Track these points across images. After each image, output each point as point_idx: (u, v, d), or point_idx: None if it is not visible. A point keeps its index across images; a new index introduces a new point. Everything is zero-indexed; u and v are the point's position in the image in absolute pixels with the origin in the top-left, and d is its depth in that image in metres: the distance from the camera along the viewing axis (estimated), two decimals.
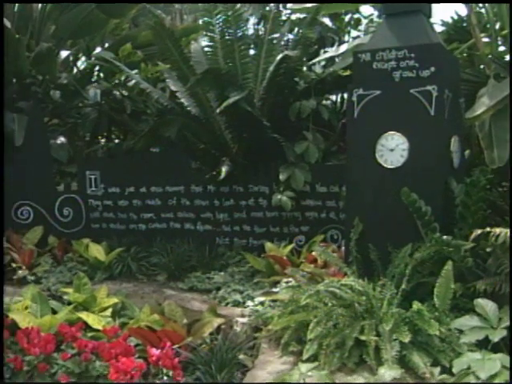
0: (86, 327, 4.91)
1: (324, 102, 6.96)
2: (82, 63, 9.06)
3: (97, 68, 8.71)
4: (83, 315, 5.04)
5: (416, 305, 3.75)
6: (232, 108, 5.87)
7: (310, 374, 3.04)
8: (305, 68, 7.12)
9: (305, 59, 6.98)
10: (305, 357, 3.59)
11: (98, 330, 4.90)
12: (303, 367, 3.05)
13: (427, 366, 3.41)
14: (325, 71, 7.06)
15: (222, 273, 5.76)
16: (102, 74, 8.68)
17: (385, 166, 4.47)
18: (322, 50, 7.80)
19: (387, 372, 3.03)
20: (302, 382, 2.98)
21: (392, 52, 4.45)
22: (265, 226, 6.31)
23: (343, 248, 5.20)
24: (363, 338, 3.60)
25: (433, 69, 4.33)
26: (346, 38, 8.47)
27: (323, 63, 7.56)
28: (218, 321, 4.67)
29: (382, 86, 4.49)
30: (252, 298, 5.01)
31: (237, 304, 5.08)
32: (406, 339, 3.50)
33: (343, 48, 6.86)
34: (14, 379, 4.23)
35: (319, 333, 3.66)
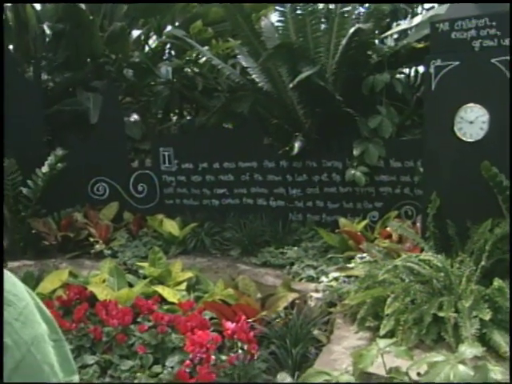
0: (162, 300, 5.01)
1: (398, 75, 6.81)
2: (153, 42, 9.15)
3: (168, 46, 8.79)
4: (159, 289, 5.14)
5: (497, 282, 3.64)
6: (304, 83, 5.82)
7: (388, 349, 2.99)
8: (377, 41, 6.99)
9: (377, 32, 6.84)
10: (382, 332, 3.56)
11: (173, 304, 4.99)
12: (381, 343, 3.00)
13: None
14: (398, 44, 6.89)
15: (296, 248, 5.75)
16: (173, 52, 8.77)
17: (464, 139, 4.34)
18: (395, 23, 7.62)
19: (468, 349, 2.95)
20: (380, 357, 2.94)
21: (472, 21, 4.30)
22: (338, 202, 6.27)
23: (418, 224, 5.11)
24: (442, 314, 3.53)
25: None
26: (419, 9, 8.24)
27: (396, 36, 7.39)
28: (292, 296, 4.68)
29: (461, 57, 4.34)
30: (326, 274, 4.98)
31: (311, 279, 5.08)
32: (487, 317, 3.41)
33: (417, 20, 6.68)
34: (94, 349, 4.36)
35: (396, 308, 3.61)
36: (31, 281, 5.35)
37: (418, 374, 2.83)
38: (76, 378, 1.34)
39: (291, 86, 5.95)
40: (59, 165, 6.48)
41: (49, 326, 1.31)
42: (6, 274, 1.28)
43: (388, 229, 5.34)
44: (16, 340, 1.20)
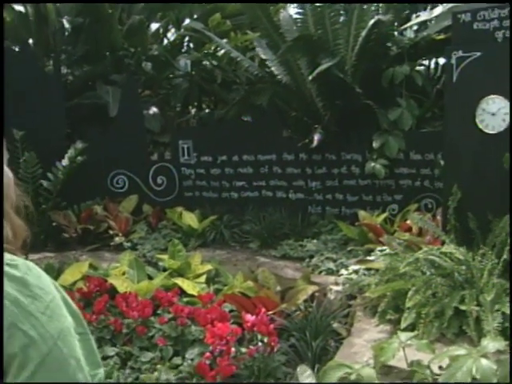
0: (181, 293, 5.02)
1: (417, 67, 6.76)
2: (171, 35, 9.15)
3: (186, 39, 8.80)
4: (178, 281, 5.15)
5: None
6: (323, 75, 5.80)
7: (409, 342, 2.98)
8: (397, 33, 6.93)
9: (397, 24, 6.78)
10: (403, 325, 3.54)
11: (192, 296, 5.00)
12: (403, 336, 2.99)
13: None
14: (418, 36, 6.84)
15: (315, 241, 5.74)
16: (191, 45, 8.78)
17: (485, 131, 4.30)
18: (414, 14, 7.55)
19: (491, 343, 2.93)
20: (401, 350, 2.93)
21: (494, 11, 4.25)
22: (357, 195, 6.25)
23: (438, 217, 5.07)
24: (463, 307, 3.52)
25: None
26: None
27: (416, 27, 7.33)
28: (312, 288, 4.67)
29: (484, 47, 4.29)
30: (346, 266, 4.98)
31: (330, 272, 5.06)
32: (509, 310, 3.39)
33: (437, 11, 6.60)
34: (115, 341, 4.38)
35: (418, 301, 3.59)
36: (52, 273, 5.39)
37: (440, 367, 2.81)
38: (101, 372, 1.34)
39: (310, 78, 5.93)
40: (79, 158, 6.51)
41: (74, 319, 1.32)
42: (33, 267, 1.28)
43: (408, 222, 5.32)
44: (42, 334, 1.21)
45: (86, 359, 1.28)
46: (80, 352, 1.27)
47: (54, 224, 6.46)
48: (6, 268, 1.23)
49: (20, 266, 1.25)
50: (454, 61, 4.41)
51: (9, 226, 1.33)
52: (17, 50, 7.44)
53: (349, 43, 6.40)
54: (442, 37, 6.35)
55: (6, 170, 1.42)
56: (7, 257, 1.28)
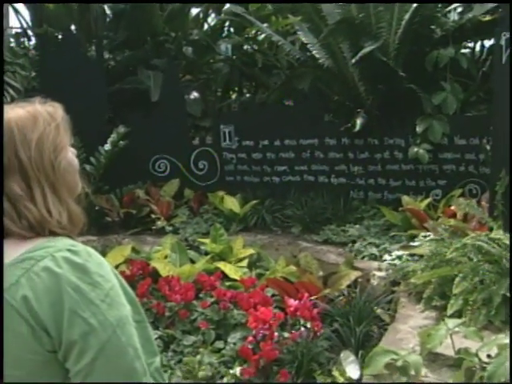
0: (223, 277, 5.04)
1: (462, 50, 6.63)
2: (212, 19, 9.15)
3: (227, 23, 8.76)
4: (221, 265, 5.17)
5: None
6: (366, 58, 5.73)
7: (457, 329, 2.94)
8: (441, 15, 6.79)
9: (441, 6, 6.64)
10: (449, 312, 3.49)
11: (235, 280, 5.01)
12: (450, 323, 2.94)
13: None
14: (463, 17, 6.70)
15: (357, 226, 5.69)
16: (232, 29, 8.74)
17: None
18: None
19: None
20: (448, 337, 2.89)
21: None
22: (400, 180, 6.16)
23: (483, 202, 4.98)
24: None
25: None
26: None
27: (460, 9, 7.17)
28: (355, 274, 4.65)
29: None
30: (389, 252, 4.92)
31: (373, 257, 5.01)
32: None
33: None
34: (157, 324, 4.42)
35: (465, 288, 3.54)
36: None
37: (489, 356, 2.76)
38: (157, 360, 1.35)
39: (353, 61, 5.86)
40: (121, 142, 6.56)
41: (132, 306, 1.33)
42: (94, 253, 1.29)
43: (452, 207, 5.23)
44: (102, 321, 1.22)
45: (143, 347, 1.29)
46: (137, 340, 1.27)
47: (96, 208, 6.52)
48: (67, 254, 1.24)
49: (81, 252, 1.26)
50: (503, 42, 4.31)
51: (65, 212, 1.34)
52: (60, 37, 7.51)
53: (392, 26, 6.29)
54: (488, 18, 6.20)
55: (72, 159, 1.43)
56: (69, 242, 1.29)
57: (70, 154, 1.41)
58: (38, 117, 1.33)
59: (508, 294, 3.46)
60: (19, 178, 1.28)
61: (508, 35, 4.26)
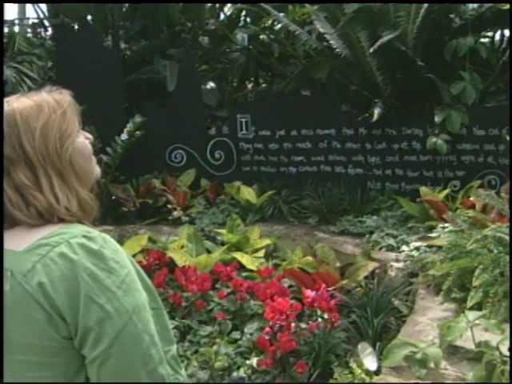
0: (240, 267, 5.03)
1: (482, 39, 6.55)
2: (228, 9, 9.11)
3: (243, 13, 8.73)
4: (237, 255, 5.16)
5: None
6: (384, 48, 5.68)
7: (477, 322, 2.91)
8: (460, 4, 6.72)
9: None
10: (469, 304, 3.45)
11: (251, 271, 5.00)
12: (470, 315, 2.91)
13: None
14: (482, 6, 6.61)
15: (375, 217, 5.65)
16: (248, 19, 8.71)
17: None
18: None
19: None
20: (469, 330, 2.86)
21: None
22: (418, 170, 6.11)
23: (502, 194, 4.93)
24: None
25: None
26: None
27: None
28: (372, 265, 4.62)
29: None
30: (407, 243, 4.89)
31: (391, 248, 4.98)
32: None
33: None
34: (173, 314, 4.42)
35: (485, 280, 3.49)
36: None
37: (510, 349, 2.73)
38: (174, 348, 1.34)
39: (371, 51, 5.81)
40: (138, 132, 6.55)
41: (149, 293, 1.31)
42: (109, 240, 1.27)
43: (471, 198, 5.18)
44: (118, 308, 1.20)
45: (160, 335, 1.28)
46: (154, 328, 1.26)
47: (113, 198, 6.53)
48: (83, 240, 1.23)
49: (96, 238, 1.25)
50: None
51: (75, 199, 1.32)
52: (76, 27, 7.52)
53: (410, 15, 6.23)
54: (508, 7, 6.11)
55: (83, 145, 1.41)
56: (84, 229, 1.27)
57: (81, 140, 1.40)
58: (44, 105, 1.33)
59: None
60: (25, 168, 1.28)
61: None
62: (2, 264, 1.22)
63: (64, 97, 1.39)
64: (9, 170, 1.27)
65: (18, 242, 1.24)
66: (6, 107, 1.31)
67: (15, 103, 1.32)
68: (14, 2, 7.95)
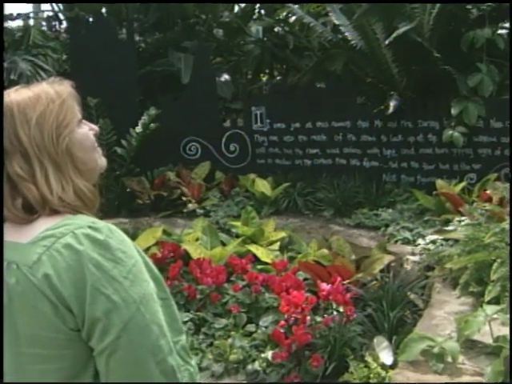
0: (255, 260, 5.02)
1: (499, 30, 6.47)
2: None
3: (257, 5, 8.70)
4: (252, 248, 5.16)
5: None
6: (400, 40, 5.63)
7: (495, 316, 2.88)
8: None
9: None
10: (486, 299, 3.41)
11: (266, 263, 4.99)
12: (488, 309, 2.89)
13: None
14: None
15: (390, 210, 5.61)
16: (263, 11, 8.68)
17: None
18: None
19: None
20: (487, 324, 2.83)
21: None
22: (434, 163, 6.06)
23: None
24: None
25: None
26: None
27: None
28: (388, 258, 4.59)
29: None
30: (423, 236, 4.85)
31: (406, 242, 4.94)
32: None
33: None
34: (188, 306, 4.43)
35: (503, 274, 3.45)
36: None
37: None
38: (183, 338, 1.32)
39: (386, 43, 5.77)
40: (152, 125, 6.54)
41: (157, 284, 1.30)
42: (115, 230, 1.26)
43: (488, 191, 5.13)
44: (125, 298, 1.19)
45: (168, 325, 1.27)
46: (162, 318, 1.25)
47: (127, 190, 6.54)
48: (88, 230, 1.22)
49: (102, 228, 1.23)
50: None
51: (71, 190, 1.30)
52: (91, 20, 7.52)
53: (426, 6, 6.17)
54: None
55: (84, 135, 1.40)
56: (89, 219, 1.26)
57: (83, 131, 1.39)
58: (42, 95, 1.32)
59: None
60: (20, 159, 1.27)
61: None
62: (2, 257, 1.22)
63: (64, 87, 1.38)
64: (4, 161, 1.27)
65: (22, 234, 1.24)
66: (5, 98, 1.31)
67: (13, 94, 1.32)
68: (14, 2, 7.95)
